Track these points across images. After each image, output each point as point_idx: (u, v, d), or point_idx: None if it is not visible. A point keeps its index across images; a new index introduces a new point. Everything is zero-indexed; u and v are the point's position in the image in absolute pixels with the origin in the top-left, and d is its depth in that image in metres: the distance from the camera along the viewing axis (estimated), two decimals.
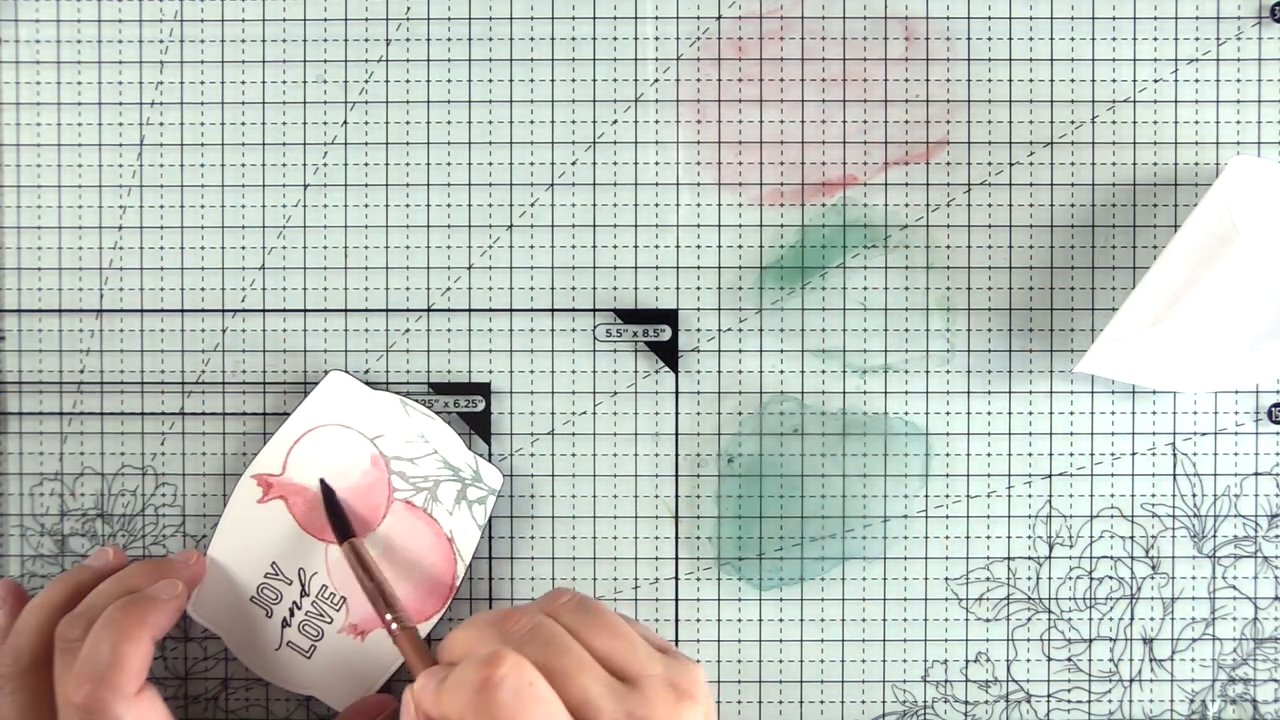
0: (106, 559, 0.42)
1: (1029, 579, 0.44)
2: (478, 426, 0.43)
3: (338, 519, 0.41)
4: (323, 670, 0.42)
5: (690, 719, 0.34)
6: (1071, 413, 0.44)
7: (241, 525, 0.42)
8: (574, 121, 0.44)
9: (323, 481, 0.42)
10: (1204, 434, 0.44)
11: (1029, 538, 0.44)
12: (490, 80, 0.44)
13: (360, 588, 0.40)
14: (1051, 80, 0.43)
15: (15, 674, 0.39)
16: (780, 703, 0.44)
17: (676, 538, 0.44)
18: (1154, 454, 0.44)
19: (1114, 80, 0.43)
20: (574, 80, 0.44)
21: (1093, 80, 0.43)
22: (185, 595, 0.40)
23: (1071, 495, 0.44)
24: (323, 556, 0.42)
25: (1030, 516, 0.44)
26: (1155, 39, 0.43)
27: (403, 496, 0.42)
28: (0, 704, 0.39)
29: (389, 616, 0.39)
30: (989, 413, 0.44)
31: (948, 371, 0.44)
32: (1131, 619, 0.44)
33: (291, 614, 0.42)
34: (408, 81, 0.44)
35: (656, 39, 0.44)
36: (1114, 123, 0.43)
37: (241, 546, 0.42)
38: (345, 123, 0.44)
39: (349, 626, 0.42)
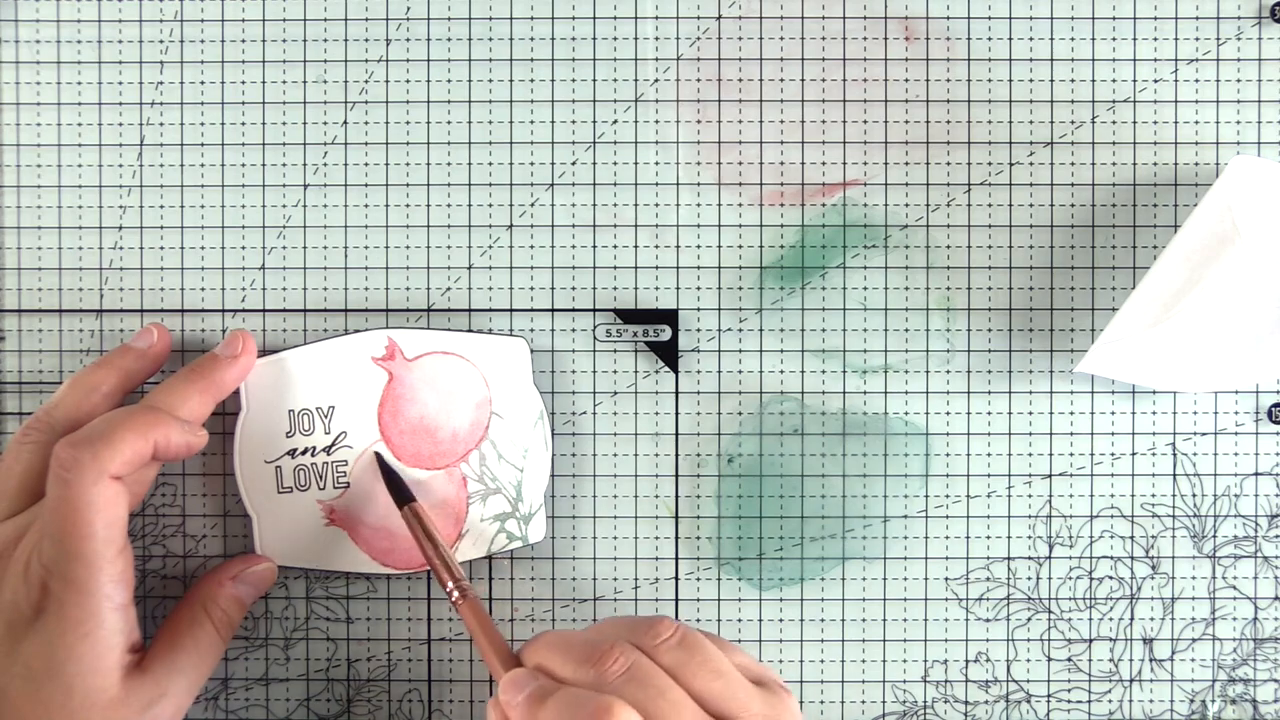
0: (151, 340, 0.41)
1: (1029, 579, 0.44)
2: None
3: (395, 485, 0.41)
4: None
5: None
6: (1071, 413, 0.44)
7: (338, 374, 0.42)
8: (574, 121, 0.44)
9: (378, 454, 0.42)
10: (1204, 434, 0.44)
11: (1029, 538, 0.44)
12: (490, 80, 0.44)
13: (421, 553, 0.40)
14: (1051, 80, 0.43)
15: (41, 439, 0.39)
16: None
17: (676, 538, 0.44)
18: (1154, 454, 0.44)
19: (1114, 80, 0.43)
20: (574, 80, 0.44)
21: (1093, 80, 0.43)
22: (204, 440, 0.39)
23: (1071, 495, 0.44)
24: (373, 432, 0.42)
25: (1030, 516, 0.44)
26: (1155, 39, 0.43)
27: (463, 471, 0.42)
28: (20, 455, 0.39)
29: (450, 585, 0.38)
30: (989, 413, 0.44)
31: (948, 371, 0.44)
32: (1131, 619, 0.44)
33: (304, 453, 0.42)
34: (408, 81, 0.44)
35: (656, 39, 0.44)
36: (1114, 123, 0.43)
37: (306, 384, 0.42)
38: (345, 123, 0.44)
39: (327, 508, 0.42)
